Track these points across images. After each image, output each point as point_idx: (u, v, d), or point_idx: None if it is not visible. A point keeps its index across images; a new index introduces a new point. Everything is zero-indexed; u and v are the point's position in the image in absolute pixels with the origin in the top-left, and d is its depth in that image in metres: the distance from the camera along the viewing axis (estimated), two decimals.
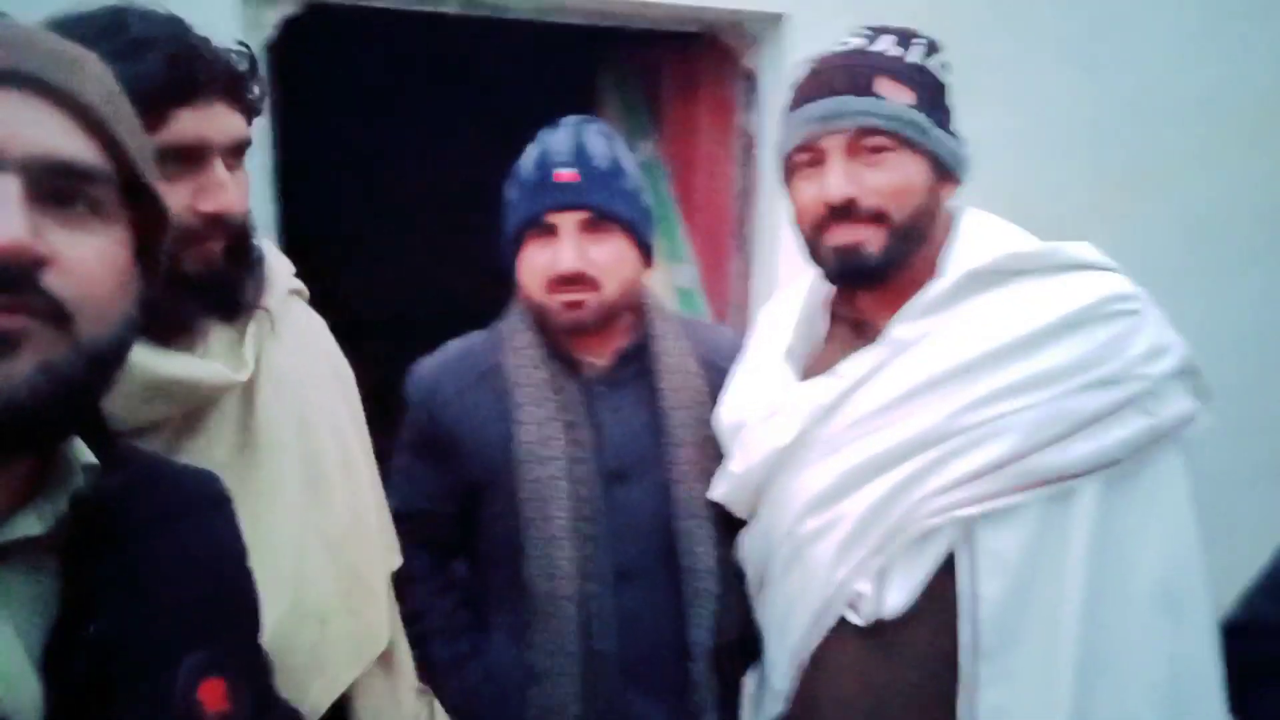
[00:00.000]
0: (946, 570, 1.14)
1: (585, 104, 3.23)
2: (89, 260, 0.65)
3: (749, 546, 1.35)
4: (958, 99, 2.75)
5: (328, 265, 3.53)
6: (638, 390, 1.44)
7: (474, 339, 1.52)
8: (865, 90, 1.15)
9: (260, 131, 2.17)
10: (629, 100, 3.04)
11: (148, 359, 0.96)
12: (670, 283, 2.95)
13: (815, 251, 1.21)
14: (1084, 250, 1.19)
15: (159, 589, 0.73)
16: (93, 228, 0.66)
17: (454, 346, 1.52)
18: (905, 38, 1.22)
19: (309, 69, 2.51)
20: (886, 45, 1.20)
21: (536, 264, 1.37)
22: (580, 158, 1.35)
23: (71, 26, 1.00)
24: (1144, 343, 1.12)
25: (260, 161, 2.18)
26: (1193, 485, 1.16)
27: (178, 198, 0.97)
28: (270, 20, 2.17)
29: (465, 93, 3.95)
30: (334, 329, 3.17)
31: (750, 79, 2.62)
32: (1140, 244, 3.10)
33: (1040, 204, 2.93)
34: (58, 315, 0.62)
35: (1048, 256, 1.17)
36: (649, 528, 1.40)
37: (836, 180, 1.15)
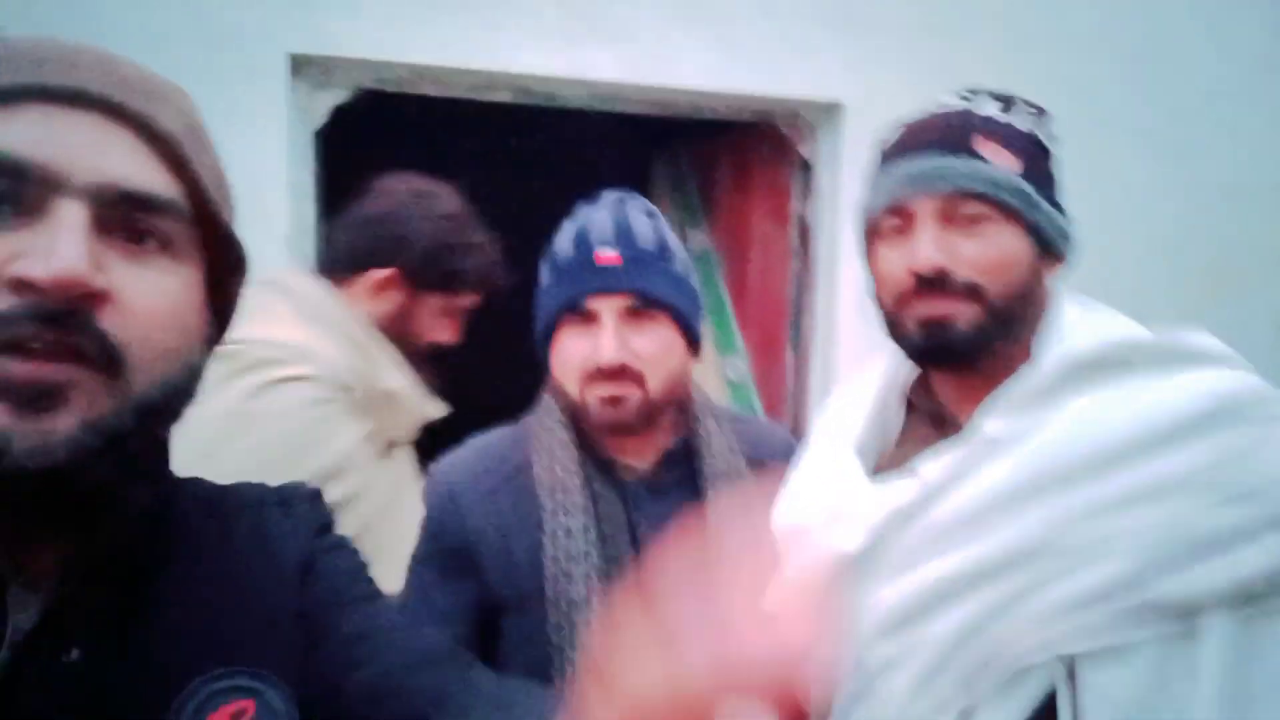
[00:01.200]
0: (1046, 715, 0.97)
1: (639, 191, 3.19)
2: (153, 300, 0.61)
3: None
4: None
5: None
6: (682, 497, 1.28)
7: (500, 436, 1.36)
8: (965, 150, 1.03)
9: (307, 218, 2.14)
10: (682, 188, 2.99)
11: None
12: (721, 375, 2.84)
13: (897, 326, 1.07)
14: (1207, 342, 1.04)
15: (172, 612, 0.68)
16: (162, 266, 0.63)
17: (478, 444, 1.36)
18: (1009, 100, 1.11)
19: (359, 156, 2.49)
20: (992, 109, 1.09)
21: (573, 354, 1.23)
22: (623, 237, 1.23)
23: None
24: None
25: (304, 248, 2.13)
26: None
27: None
28: (321, 107, 2.16)
29: (516, 179, 3.96)
30: None
31: (806, 168, 2.54)
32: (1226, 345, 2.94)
33: (1116, 301, 2.78)
34: (110, 360, 0.58)
35: (1165, 347, 1.02)
36: None
37: (927, 247, 1.02)
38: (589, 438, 1.27)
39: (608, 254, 1.21)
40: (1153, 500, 0.95)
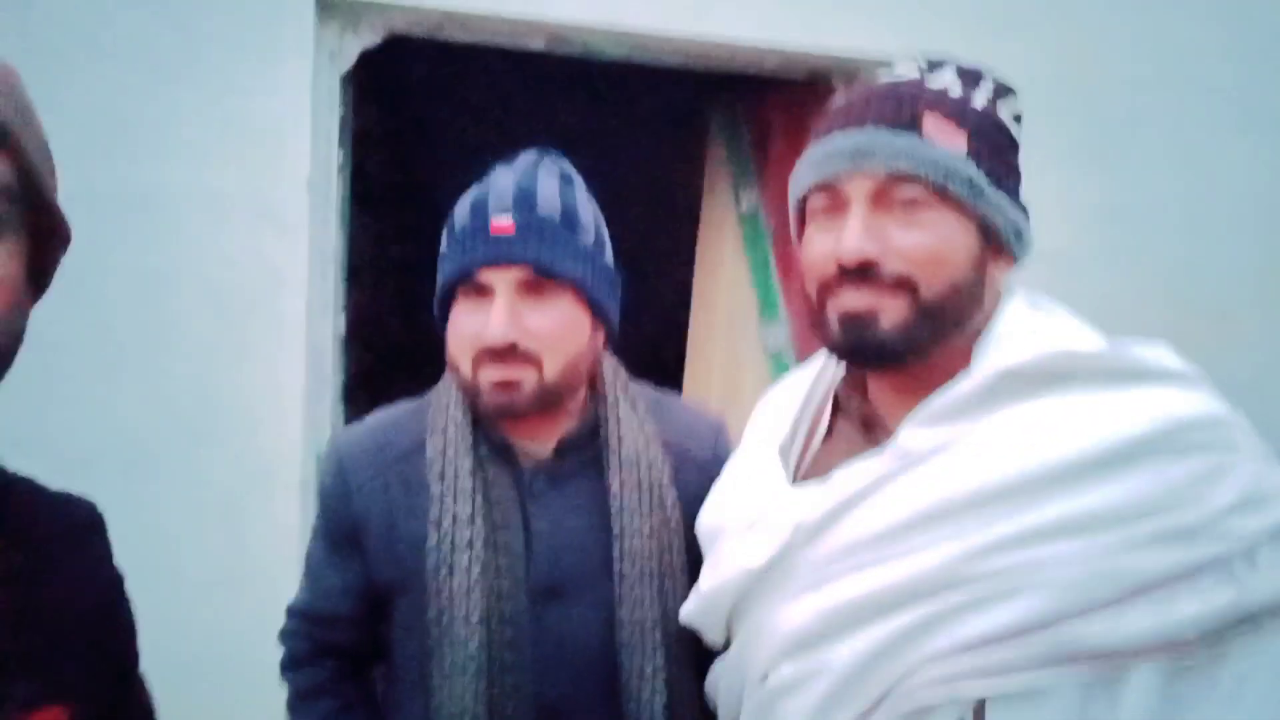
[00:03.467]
0: None
1: (693, 149, 3.08)
2: None
3: (721, 685, 1.10)
4: (1112, 159, 2.46)
5: (394, 298, 3.52)
6: (585, 485, 1.20)
7: (400, 412, 1.28)
8: (908, 127, 0.91)
9: (331, 162, 2.14)
10: (735, 147, 2.87)
11: None
12: (761, 343, 2.73)
13: (818, 318, 0.97)
14: (1161, 357, 0.91)
15: None
16: None
17: (377, 419, 1.28)
18: (973, 75, 0.98)
19: (388, 102, 2.48)
20: (946, 80, 0.96)
21: (464, 330, 1.14)
22: (523, 203, 1.12)
23: None
24: (1235, 486, 0.83)
25: (327, 193, 2.14)
26: None
27: None
28: (349, 51, 2.14)
29: (560, 132, 3.90)
30: (387, 362, 3.09)
31: None
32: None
33: (1202, 285, 2.55)
34: None
35: (1113, 361, 0.90)
36: (587, 657, 1.15)
37: (854, 234, 0.91)
38: (485, 420, 1.19)
39: (502, 221, 1.11)
40: (1078, 533, 0.84)
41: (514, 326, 1.11)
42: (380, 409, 1.30)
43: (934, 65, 0.98)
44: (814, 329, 0.99)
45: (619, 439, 1.19)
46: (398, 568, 1.18)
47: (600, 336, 1.21)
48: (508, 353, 1.11)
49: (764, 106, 2.76)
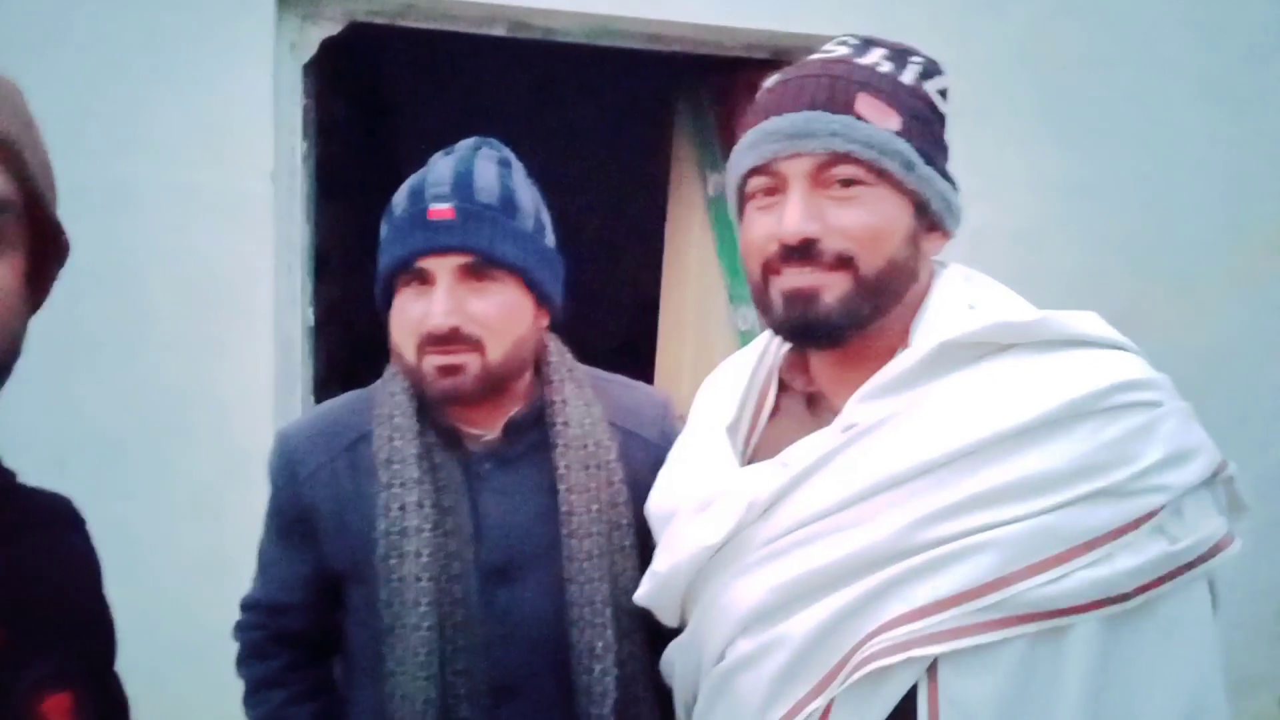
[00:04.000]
0: (903, 717, 0.90)
1: (659, 133, 3.08)
2: None
3: (677, 666, 1.12)
4: (1076, 135, 2.49)
5: (364, 288, 3.50)
6: (533, 467, 1.21)
7: (346, 402, 1.28)
8: (842, 108, 0.93)
9: (295, 154, 2.13)
10: (701, 130, 2.87)
11: None
12: (732, 325, 2.75)
13: (762, 298, 0.99)
14: (1088, 323, 0.95)
15: None
16: None
17: (323, 410, 1.29)
18: (901, 54, 1.00)
19: (350, 90, 2.46)
20: (876, 58, 0.99)
21: (407, 317, 1.14)
22: (461, 189, 1.13)
23: None
24: (1162, 445, 0.87)
25: (291, 185, 2.12)
26: (1220, 630, 0.90)
27: None
28: (310, 40, 2.13)
29: (528, 117, 3.87)
30: (358, 353, 3.08)
31: None
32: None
33: (1168, 261, 2.59)
34: None
35: (1040, 329, 0.93)
36: (538, 636, 1.17)
37: (794, 214, 0.93)
38: (432, 405, 1.20)
39: (440, 208, 1.12)
40: (1023, 497, 0.87)
41: (456, 312, 1.11)
42: (327, 400, 1.31)
43: (865, 43, 1.01)
44: (758, 309, 1.01)
45: (566, 420, 1.21)
46: (349, 555, 1.19)
47: (544, 319, 1.22)
48: (450, 337, 1.11)
49: (730, 88, 2.76)
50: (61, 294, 2.06)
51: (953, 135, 1.02)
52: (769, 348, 1.12)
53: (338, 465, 1.21)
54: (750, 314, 2.70)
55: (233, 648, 1.31)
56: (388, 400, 1.21)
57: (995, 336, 0.93)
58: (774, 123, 0.95)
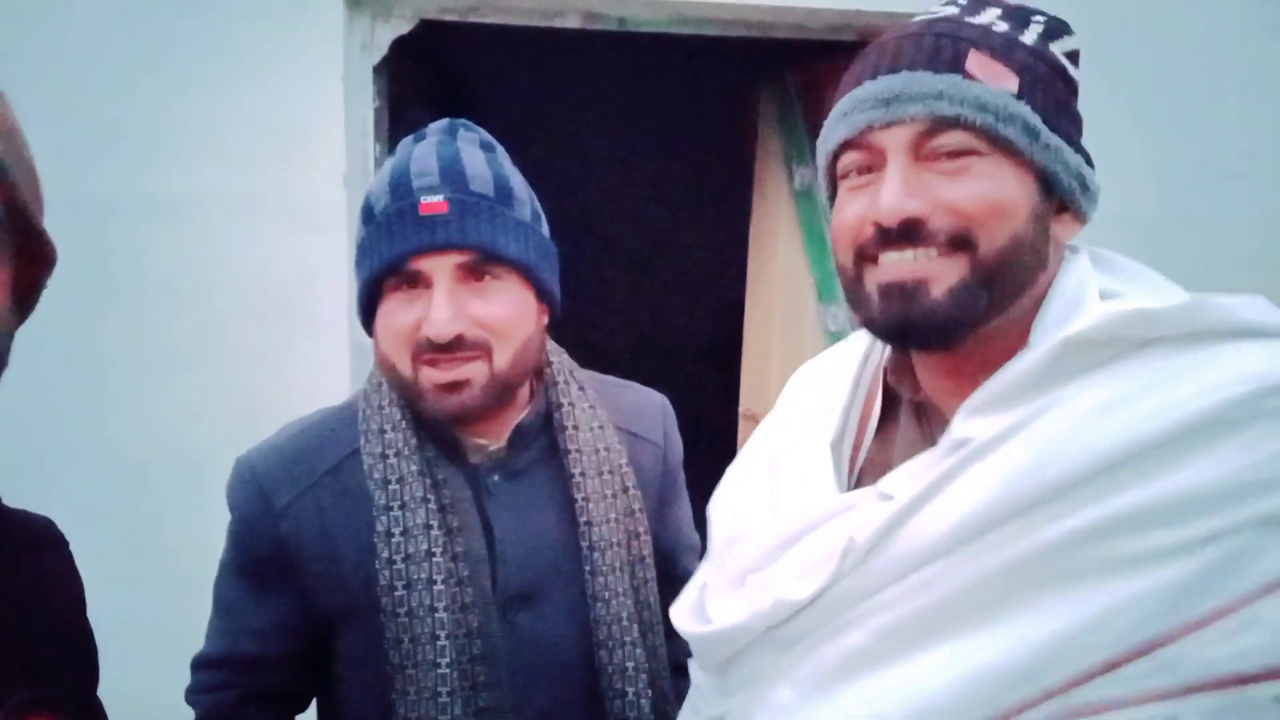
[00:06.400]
0: None
1: (744, 124, 2.96)
2: None
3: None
4: (1193, 120, 2.27)
5: None
6: (543, 477, 1.09)
7: (322, 420, 1.13)
8: (949, 66, 0.78)
9: (367, 156, 2.07)
10: (787, 120, 2.74)
11: None
12: (820, 325, 2.61)
13: (855, 292, 0.84)
14: (1253, 308, 0.76)
15: None
16: None
17: (294, 430, 1.12)
18: (1022, 12, 0.84)
19: (424, 89, 2.41)
20: (991, 18, 0.83)
21: (399, 325, 1.00)
22: (451, 179, 1.00)
23: None
24: None
25: (365, 187, 2.07)
26: None
27: None
28: (381, 40, 2.07)
29: (605, 113, 3.74)
30: None
31: None
32: None
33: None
34: None
35: (1188, 316, 0.75)
36: (565, 663, 1.06)
37: (893, 190, 0.78)
38: (428, 416, 1.07)
39: (433, 201, 0.98)
40: (1168, 521, 0.70)
41: (460, 318, 0.98)
42: (293, 420, 1.15)
43: (976, 3, 0.86)
44: (851, 306, 0.85)
45: (575, 424, 1.10)
46: (341, 593, 1.05)
47: (544, 318, 1.09)
48: (453, 346, 0.99)
49: (815, 76, 2.63)
50: (131, 308, 2.04)
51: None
52: (874, 345, 0.97)
53: (320, 492, 1.07)
54: (841, 314, 2.56)
55: None
56: (375, 414, 1.07)
57: (1131, 329, 0.75)
58: (868, 88, 0.80)
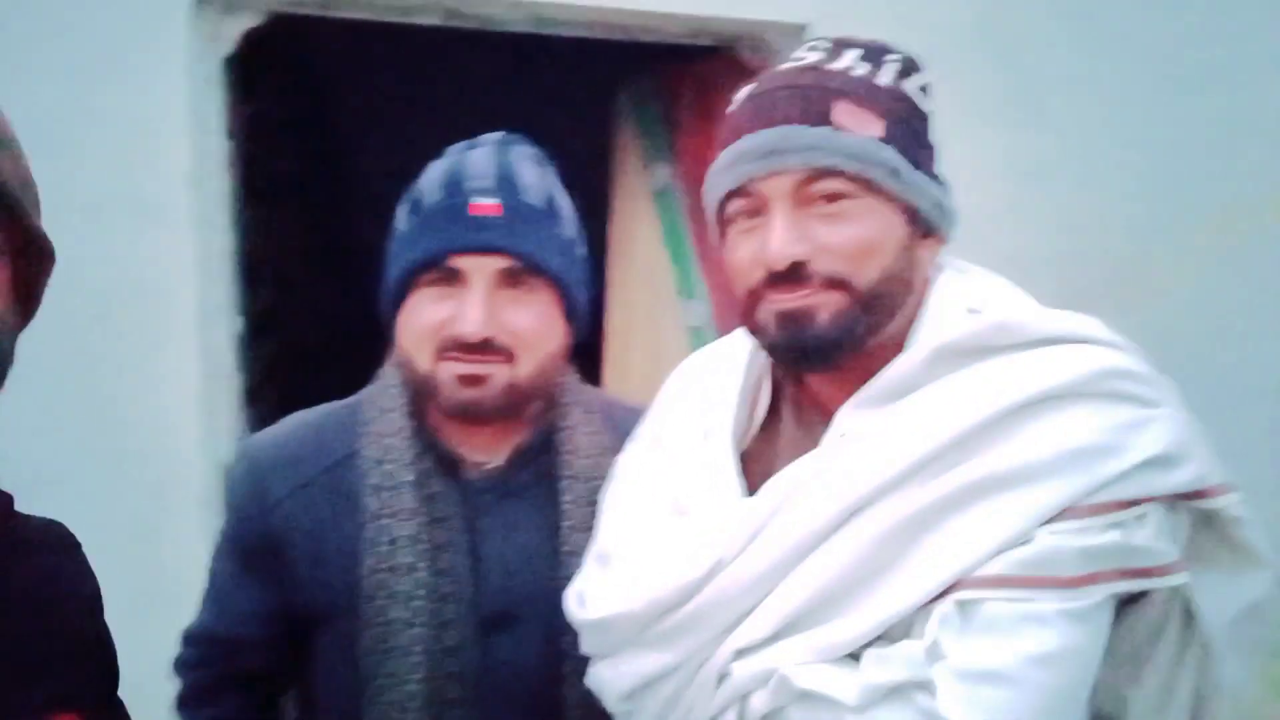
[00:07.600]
0: None
1: (603, 126, 3.01)
2: None
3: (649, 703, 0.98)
4: (1020, 116, 2.46)
5: (300, 294, 3.38)
6: (538, 500, 1.09)
7: (326, 415, 1.13)
8: (819, 119, 0.88)
9: (214, 153, 2.01)
10: (646, 122, 2.81)
11: None
12: (681, 321, 2.69)
13: (751, 321, 0.93)
14: (1093, 325, 0.90)
15: None
16: None
17: (298, 423, 1.13)
18: (876, 52, 0.94)
19: (276, 86, 2.35)
20: (850, 61, 0.92)
21: (427, 320, 1.02)
22: (506, 186, 1.02)
23: None
24: (1156, 441, 0.83)
25: (213, 187, 2.00)
26: None
27: None
28: (229, 33, 2.00)
29: (465, 112, 3.72)
30: (293, 352, 2.95)
31: None
32: (1237, 293, 2.74)
33: (1113, 244, 2.57)
34: None
35: (1041, 326, 0.89)
36: (536, 691, 1.05)
37: (780, 238, 0.87)
38: (431, 426, 1.08)
39: (486, 203, 1.01)
40: (1019, 484, 0.82)
41: (492, 321, 1.00)
42: (299, 412, 1.16)
43: (836, 46, 0.94)
44: (750, 334, 0.95)
45: (574, 448, 1.10)
46: (323, 592, 1.06)
47: (568, 340, 1.11)
48: (480, 347, 1.00)
49: (673, 79, 2.71)
50: None
51: None
52: (757, 351, 1.04)
53: (315, 489, 1.07)
54: (700, 310, 2.65)
55: (168, 686, 1.19)
56: (379, 417, 1.07)
57: (993, 338, 0.87)
58: (747, 141, 0.89)
